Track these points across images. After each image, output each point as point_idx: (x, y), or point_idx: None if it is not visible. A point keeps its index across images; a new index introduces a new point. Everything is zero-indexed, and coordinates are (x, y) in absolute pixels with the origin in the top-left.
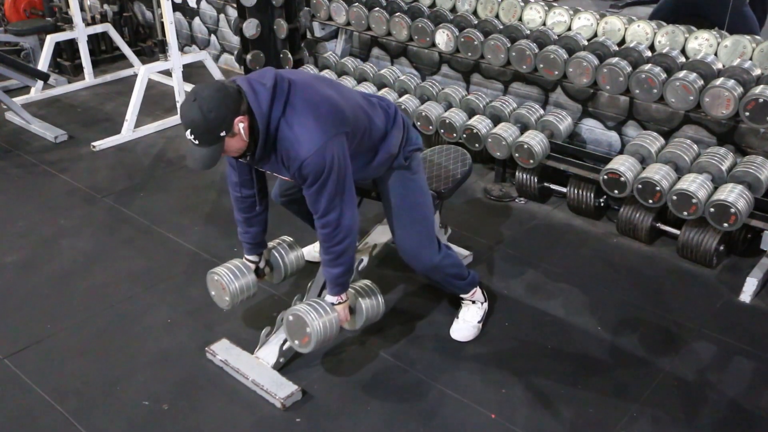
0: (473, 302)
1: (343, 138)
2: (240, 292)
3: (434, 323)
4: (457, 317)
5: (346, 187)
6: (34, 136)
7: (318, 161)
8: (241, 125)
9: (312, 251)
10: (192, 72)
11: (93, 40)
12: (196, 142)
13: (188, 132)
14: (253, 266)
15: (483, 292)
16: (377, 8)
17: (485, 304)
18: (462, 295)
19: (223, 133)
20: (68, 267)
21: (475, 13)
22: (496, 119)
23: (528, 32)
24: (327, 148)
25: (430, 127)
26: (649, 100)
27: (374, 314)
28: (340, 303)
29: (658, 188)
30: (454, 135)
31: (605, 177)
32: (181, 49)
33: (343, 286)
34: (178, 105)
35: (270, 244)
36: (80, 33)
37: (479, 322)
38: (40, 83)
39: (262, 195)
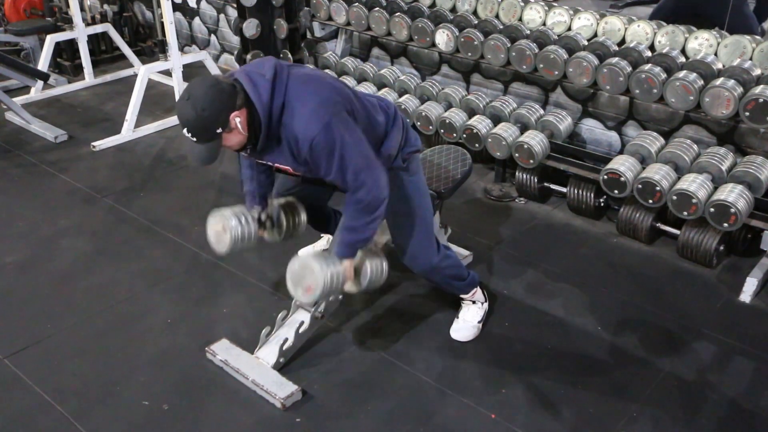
0: (473, 302)
1: (346, 115)
2: (241, 239)
3: (434, 323)
4: (458, 317)
5: (366, 158)
6: (34, 136)
7: (328, 137)
8: (237, 120)
9: (312, 251)
10: (192, 72)
11: (93, 40)
12: (194, 139)
13: (185, 130)
14: (256, 215)
15: (483, 293)
16: (377, 8)
17: (485, 304)
18: (462, 296)
19: (219, 130)
20: (68, 267)
21: (475, 13)
22: (496, 119)
23: (528, 32)
24: (333, 124)
25: (430, 127)
26: (649, 100)
27: (377, 276)
28: (347, 258)
29: (658, 188)
30: (454, 135)
31: (605, 177)
32: (181, 49)
33: (356, 252)
34: None
35: (274, 201)
36: (80, 33)
37: (479, 322)
38: (40, 83)
39: None
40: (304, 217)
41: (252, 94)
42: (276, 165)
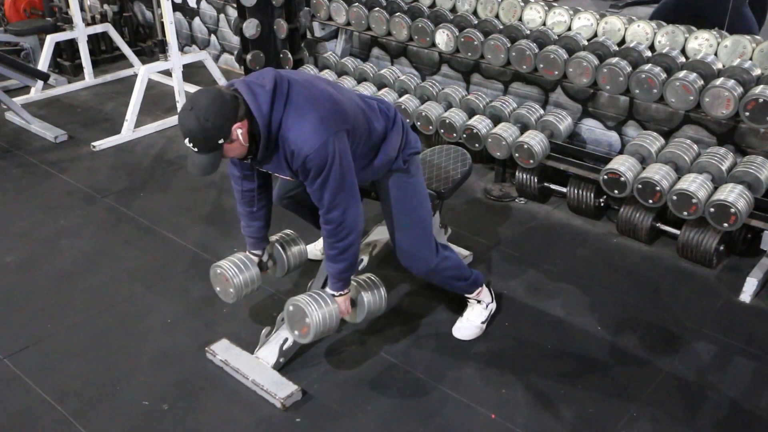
0: (479, 302)
1: (344, 135)
2: (244, 286)
3: (435, 323)
4: (462, 316)
5: (349, 184)
6: (34, 136)
7: (321, 156)
8: (239, 131)
9: (314, 249)
10: (192, 72)
11: (93, 40)
12: (195, 149)
13: (187, 140)
14: (256, 259)
15: (491, 293)
16: (377, 8)
17: (491, 305)
18: (467, 295)
19: (221, 141)
20: (68, 267)
21: (475, 13)
22: (496, 119)
23: (528, 32)
24: (329, 143)
25: (430, 127)
26: (649, 100)
27: (376, 308)
28: (341, 295)
29: (658, 188)
30: (454, 135)
31: (605, 177)
32: (181, 49)
33: (346, 282)
34: (178, 105)
35: (272, 238)
36: (80, 33)
37: (483, 322)
38: (40, 83)
39: (264, 189)
40: (303, 247)
41: (252, 104)
42: (275, 173)
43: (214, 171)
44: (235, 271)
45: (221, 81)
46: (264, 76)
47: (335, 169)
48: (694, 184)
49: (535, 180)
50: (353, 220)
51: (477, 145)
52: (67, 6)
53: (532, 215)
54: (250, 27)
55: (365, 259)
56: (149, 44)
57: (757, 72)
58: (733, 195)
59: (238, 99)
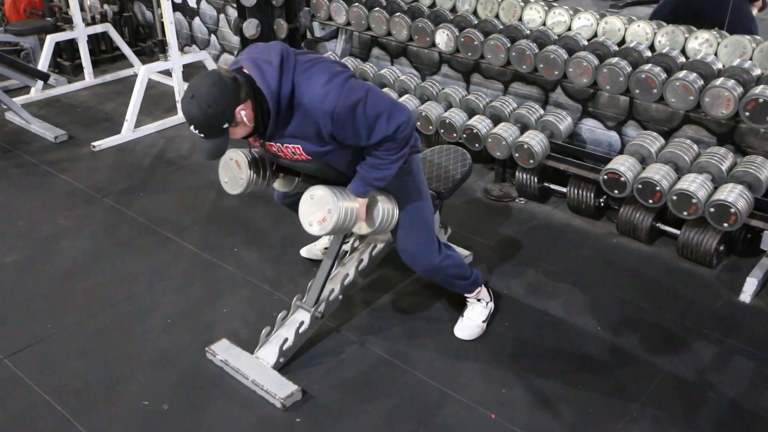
0: (478, 300)
1: (354, 79)
2: (255, 182)
3: (435, 323)
4: (462, 315)
5: (389, 101)
6: (34, 136)
7: (345, 104)
8: (243, 113)
9: (313, 249)
10: (192, 72)
11: (93, 40)
12: (201, 135)
13: (192, 127)
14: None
15: (489, 292)
16: (377, 8)
17: (491, 304)
18: (467, 294)
19: (225, 125)
20: (68, 267)
21: (475, 13)
22: (496, 119)
23: (528, 32)
24: (345, 90)
25: (430, 127)
26: (649, 100)
27: (388, 219)
28: (362, 196)
29: (658, 188)
30: (454, 135)
31: (605, 177)
32: (181, 49)
33: (372, 189)
34: (179, 105)
35: None
36: (80, 33)
37: (484, 321)
38: (40, 83)
39: None
40: None
41: (260, 82)
42: (283, 150)
43: (223, 154)
44: (252, 159)
45: None
46: (270, 51)
47: (367, 101)
48: (694, 184)
49: (535, 180)
50: (413, 126)
51: (477, 145)
52: (67, 6)
53: (532, 215)
54: (250, 27)
55: (365, 258)
56: (149, 44)
57: (757, 72)
58: (733, 195)
59: (238, 80)
